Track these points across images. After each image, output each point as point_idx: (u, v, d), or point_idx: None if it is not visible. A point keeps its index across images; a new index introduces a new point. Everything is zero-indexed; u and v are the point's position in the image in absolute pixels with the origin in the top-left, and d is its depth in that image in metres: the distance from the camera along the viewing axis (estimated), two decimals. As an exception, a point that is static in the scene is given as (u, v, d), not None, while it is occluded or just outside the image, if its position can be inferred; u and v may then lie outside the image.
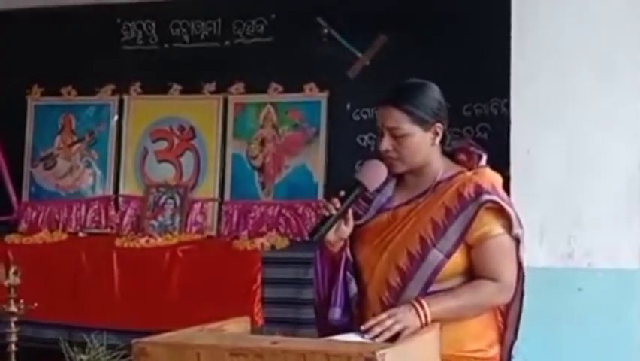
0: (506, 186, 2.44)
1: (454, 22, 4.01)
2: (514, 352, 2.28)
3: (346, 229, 2.18)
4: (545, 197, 3.22)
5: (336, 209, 2.14)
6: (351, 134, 4.31)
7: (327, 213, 2.14)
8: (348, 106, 4.34)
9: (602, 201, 3.20)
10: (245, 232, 4.35)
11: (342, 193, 2.16)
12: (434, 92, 2.22)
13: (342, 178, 4.09)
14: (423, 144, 2.18)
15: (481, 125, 4.10)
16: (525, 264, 2.20)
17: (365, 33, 4.29)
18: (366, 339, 2.01)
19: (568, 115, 3.25)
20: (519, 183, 3.10)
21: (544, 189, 3.23)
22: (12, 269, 2.90)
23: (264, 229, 4.35)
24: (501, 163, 2.57)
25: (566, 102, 3.25)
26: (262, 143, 4.48)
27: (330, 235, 2.16)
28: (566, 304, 3.19)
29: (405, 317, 2.05)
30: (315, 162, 4.36)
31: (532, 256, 3.01)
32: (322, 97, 4.38)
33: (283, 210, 4.36)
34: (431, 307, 2.07)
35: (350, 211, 2.17)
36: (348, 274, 2.20)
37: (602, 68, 3.20)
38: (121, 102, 4.71)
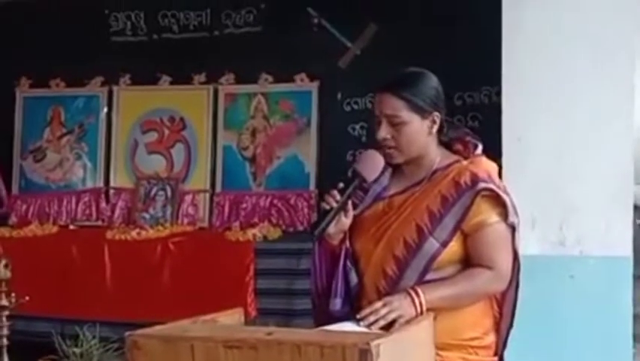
0: (498, 175, 2.45)
1: (444, 11, 4.00)
2: (506, 339, 2.29)
3: (346, 221, 2.17)
4: (537, 185, 3.22)
5: (336, 202, 2.13)
6: (343, 124, 4.30)
7: (327, 207, 2.12)
8: (339, 96, 4.32)
9: (593, 188, 3.20)
10: (237, 223, 4.34)
11: (341, 185, 2.15)
12: (432, 81, 2.21)
13: (333, 168, 4.09)
14: (420, 133, 2.18)
15: (473, 114, 4.09)
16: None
17: (356, 22, 4.27)
18: (362, 327, 2.01)
19: (559, 103, 3.24)
20: (511, 171, 3.09)
21: (536, 176, 3.23)
22: (2, 262, 2.88)
23: (255, 219, 4.34)
24: (492, 152, 2.57)
25: (558, 90, 3.24)
26: (253, 133, 4.46)
27: (331, 228, 2.15)
28: (558, 292, 3.19)
29: (400, 305, 2.04)
30: (307, 152, 4.35)
31: (524, 243, 3.00)
32: (313, 87, 4.37)
33: (275, 201, 4.35)
34: (426, 296, 2.07)
35: (350, 203, 2.16)
36: (349, 263, 2.19)
37: (594, 56, 3.20)
38: (110, 94, 4.69)
